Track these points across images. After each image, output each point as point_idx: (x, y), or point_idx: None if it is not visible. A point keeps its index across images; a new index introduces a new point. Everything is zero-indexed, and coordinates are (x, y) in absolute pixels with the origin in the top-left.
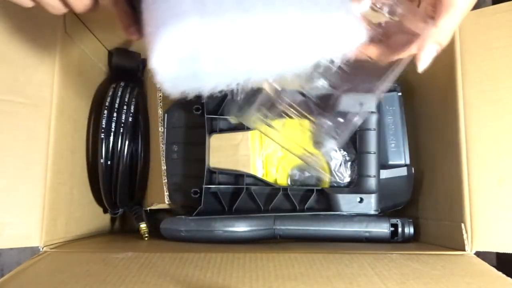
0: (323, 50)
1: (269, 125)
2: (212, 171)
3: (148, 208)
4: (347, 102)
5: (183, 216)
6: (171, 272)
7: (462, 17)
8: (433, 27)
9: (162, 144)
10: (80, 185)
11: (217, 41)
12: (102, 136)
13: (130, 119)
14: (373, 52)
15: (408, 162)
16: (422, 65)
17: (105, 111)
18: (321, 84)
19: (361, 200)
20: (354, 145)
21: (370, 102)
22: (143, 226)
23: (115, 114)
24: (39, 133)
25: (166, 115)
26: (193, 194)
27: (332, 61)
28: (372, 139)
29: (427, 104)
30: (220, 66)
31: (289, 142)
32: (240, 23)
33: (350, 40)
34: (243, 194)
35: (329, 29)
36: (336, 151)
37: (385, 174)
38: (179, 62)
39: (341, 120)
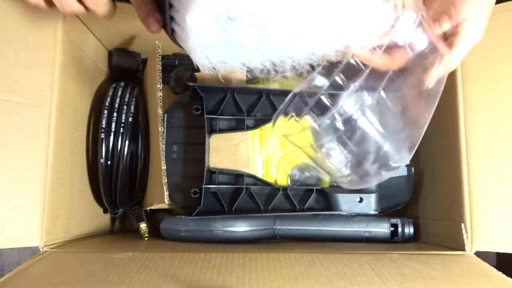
0: (354, 29)
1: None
2: (212, 171)
3: (148, 208)
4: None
5: (183, 216)
6: (171, 272)
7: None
8: (449, 54)
9: (162, 144)
10: (80, 185)
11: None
12: (102, 136)
13: (130, 119)
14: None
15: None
16: (431, 84)
17: (105, 111)
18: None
19: (361, 200)
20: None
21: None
22: (143, 226)
23: (115, 114)
24: (39, 133)
25: (166, 115)
26: (193, 194)
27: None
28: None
29: None
30: (256, 33)
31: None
32: None
33: (379, 21)
34: (243, 194)
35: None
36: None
37: None
38: (216, 23)
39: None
